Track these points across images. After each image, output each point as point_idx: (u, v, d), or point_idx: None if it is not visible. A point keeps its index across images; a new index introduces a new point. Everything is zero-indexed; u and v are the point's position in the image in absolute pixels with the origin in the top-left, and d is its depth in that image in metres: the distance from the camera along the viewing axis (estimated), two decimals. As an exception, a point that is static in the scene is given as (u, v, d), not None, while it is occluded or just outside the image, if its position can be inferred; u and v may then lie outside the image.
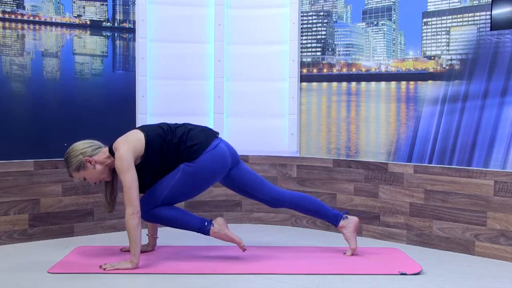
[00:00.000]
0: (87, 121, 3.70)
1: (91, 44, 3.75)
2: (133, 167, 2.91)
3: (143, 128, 3.09)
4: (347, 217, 3.23)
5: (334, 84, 3.91)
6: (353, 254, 3.20)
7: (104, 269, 2.85)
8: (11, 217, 3.45)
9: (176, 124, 3.15)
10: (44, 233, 3.56)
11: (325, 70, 3.96)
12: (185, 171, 3.03)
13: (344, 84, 3.88)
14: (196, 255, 3.20)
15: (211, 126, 4.08)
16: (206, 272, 2.88)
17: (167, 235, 3.53)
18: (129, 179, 2.89)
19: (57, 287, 2.64)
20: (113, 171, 3.05)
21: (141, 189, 3.04)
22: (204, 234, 3.07)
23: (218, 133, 3.18)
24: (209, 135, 3.12)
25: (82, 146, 3.04)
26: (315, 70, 4.00)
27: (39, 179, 3.54)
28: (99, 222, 3.76)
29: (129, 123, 3.85)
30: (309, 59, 4.02)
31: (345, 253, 3.22)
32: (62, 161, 3.57)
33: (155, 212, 3.03)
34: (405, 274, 2.86)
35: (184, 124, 3.16)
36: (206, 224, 3.05)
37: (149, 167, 3.02)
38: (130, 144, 2.95)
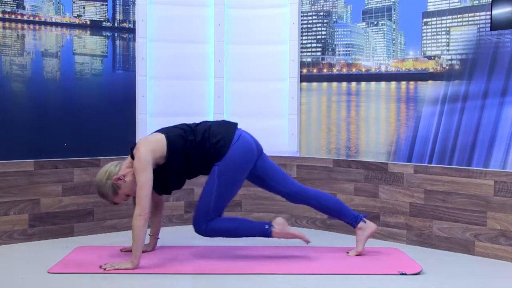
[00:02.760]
0: (87, 121, 3.70)
1: (91, 44, 3.75)
2: (149, 168, 2.90)
3: (162, 130, 3.09)
4: (365, 221, 3.23)
5: (334, 84, 3.91)
6: (356, 255, 3.20)
7: (104, 269, 2.85)
8: (11, 217, 3.45)
9: (194, 123, 3.16)
10: (44, 233, 3.56)
11: (325, 70, 3.96)
12: (220, 172, 3.02)
13: (344, 84, 3.88)
14: (196, 255, 3.20)
15: (211, 126, 4.08)
16: (206, 272, 2.88)
17: (167, 235, 3.53)
18: (143, 179, 2.88)
19: (57, 287, 2.64)
20: None
21: (167, 190, 3.06)
22: (267, 237, 3.07)
23: (237, 123, 3.18)
24: (230, 127, 3.11)
25: (104, 172, 3.02)
26: (315, 70, 4.00)
27: (39, 179, 3.54)
28: (99, 222, 3.76)
29: (129, 123, 3.85)
30: (309, 59, 4.02)
31: (348, 253, 3.22)
32: (62, 161, 3.58)
33: (212, 226, 3.03)
34: (405, 274, 2.86)
35: (202, 122, 3.16)
36: (267, 227, 3.06)
37: (174, 168, 3.01)
38: (149, 146, 2.95)
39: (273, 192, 3.29)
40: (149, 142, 2.97)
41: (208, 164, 3.05)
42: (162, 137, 3.00)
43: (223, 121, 3.19)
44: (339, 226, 3.81)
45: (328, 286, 2.70)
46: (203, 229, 3.03)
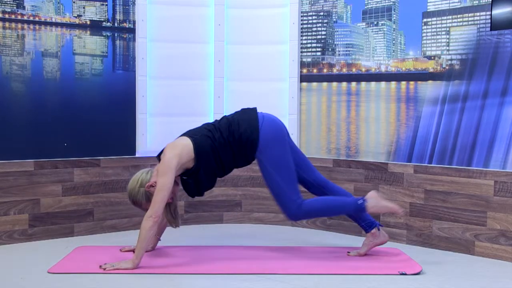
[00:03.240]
0: (87, 121, 3.70)
1: (91, 44, 3.75)
2: (171, 173, 2.89)
3: (188, 133, 3.07)
4: (379, 229, 3.21)
5: (334, 84, 3.91)
6: (355, 255, 3.20)
7: (104, 269, 2.85)
8: (11, 217, 3.45)
9: (215, 120, 3.15)
10: (44, 233, 3.56)
11: (325, 70, 3.96)
12: (266, 160, 3.03)
13: (344, 84, 3.88)
14: (196, 255, 3.20)
15: (211, 126, 4.08)
16: (206, 272, 2.88)
17: (167, 235, 3.52)
18: (162, 182, 2.88)
19: (57, 287, 2.64)
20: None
21: (200, 192, 3.06)
22: (361, 212, 3.08)
23: (256, 108, 3.18)
24: (251, 112, 3.12)
25: (136, 180, 3.02)
26: (315, 70, 4.00)
27: (39, 179, 3.54)
28: (99, 222, 3.76)
29: (129, 123, 3.85)
30: (309, 59, 4.02)
31: (348, 253, 3.22)
32: (62, 161, 3.59)
33: (305, 210, 3.04)
34: (405, 274, 2.86)
35: (222, 117, 3.15)
36: (360, 202, 3.06)
37: (204, 169, 3.00)
38: (176, 150, 2.94)
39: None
40: (176, 147, 2.97)
41: (244, 154, 3.05)
42: (188, 141, 2.99)
43: (242, 109, 3.17)
44: (339, 226, 3.82)
45: (328, 286, 2.70)
46: (296, 215, 3.06)
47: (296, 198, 3.04)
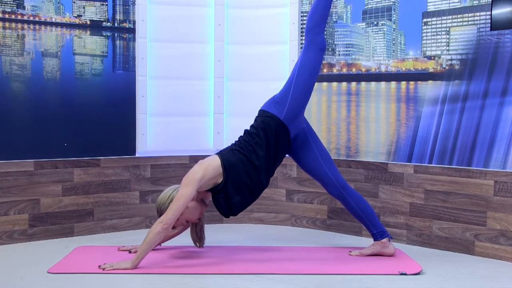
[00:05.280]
0: (87, 121, 3.70)
1: (91, 44, 3.75)
2: (193, 185, 2.90)
3: (217, 153, 3.11)
4: (389, 241, 3.21)
5: (334, 84, 3.91)
6: (357, 255, 3.20)
7: (103, 269, 2.85)
8: (11, 217, 3.45)
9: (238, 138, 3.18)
10: (44, 233, 3.56)
11: (325, 70, 3.95)
12: (291, 105, 3.10)
13: (344, 84, 3.87)
14: (196, 255, 3.20)
15: (211, 126, 4.09)
16: (206, 272, 2.88)
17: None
18: (182, 192, 2.90)
19: (57, 287, 2.64)
20: (202, 200, 3.07)
21: (231, 209, 3.04)
22: None
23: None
24: (258, 112, 3.17)
25: (167, 196, 3.03)
26: (315, 70, 3.99)
27: (39, 179, 3.54)
28: (99, 222, 3.76)
29: (129, 123, 3.85)
30: (309, 59, 4.01)
31: (350, 252, 3.22)
32: (62, 161, 3.59)
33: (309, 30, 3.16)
34: (405, 274, 2.86)
35: (243, 133, 3.18)
36: None
37: (232, 180, 3.00)
38: (203, 165, 2.97)
39: (317, 175, 3.24)
40: (203, 162, 3.00)
41: (275, 139, 3.06)
42: (215, 157, 3.03)
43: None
44: (339, 226, 3.82)
45: (328, 286, 2.70)
46: (315, 37, 3.15)
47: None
